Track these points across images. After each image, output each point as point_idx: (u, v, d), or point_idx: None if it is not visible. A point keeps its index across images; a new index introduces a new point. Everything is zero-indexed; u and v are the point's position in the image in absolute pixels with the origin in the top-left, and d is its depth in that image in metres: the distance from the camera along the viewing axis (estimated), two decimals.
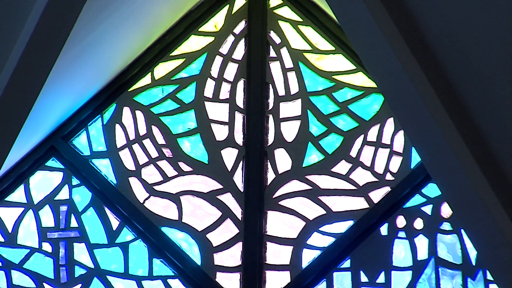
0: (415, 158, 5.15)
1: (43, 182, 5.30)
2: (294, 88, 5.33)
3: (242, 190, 5.24)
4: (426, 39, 3.84)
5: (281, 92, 5.33)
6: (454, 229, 5.10)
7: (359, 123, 5.25)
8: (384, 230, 5.13)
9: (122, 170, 5.29)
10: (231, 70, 5.37)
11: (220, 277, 5.18)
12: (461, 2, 3.77)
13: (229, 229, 5.23)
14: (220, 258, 5.20)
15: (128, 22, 4.93)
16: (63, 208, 5.27)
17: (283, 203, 5.22)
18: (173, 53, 5.40)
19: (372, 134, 5.24)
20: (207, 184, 5.27)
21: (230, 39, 5.39)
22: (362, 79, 5.31)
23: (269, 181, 5.24)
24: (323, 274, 5.13)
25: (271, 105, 5.32)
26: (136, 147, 5.32)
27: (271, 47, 5.37)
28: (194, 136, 5.32)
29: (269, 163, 5.26)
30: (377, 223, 5.13)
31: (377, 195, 5.17)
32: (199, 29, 5.41)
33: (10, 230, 5.25)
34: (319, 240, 5.17)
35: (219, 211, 5.24)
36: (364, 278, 5.11)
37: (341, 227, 5.16)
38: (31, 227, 5.27)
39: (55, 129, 5.29)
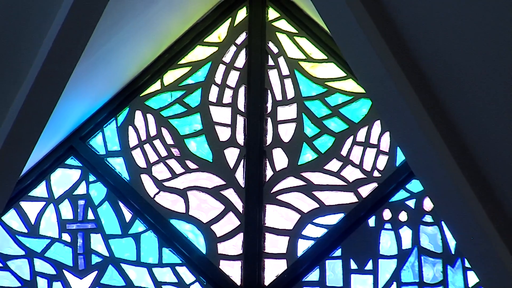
0: (400, 157, 5.15)
1: (63, 178, 5.30)
2: (290, 94, 5.33)
3: (243, 186, 5.24)
4: (409, 48, 3.84)
5: (279, 97, 5.33)
6: (435, 221, 5.09)
7: (349, 125, 5.25)
8: (371, 222, 5.13)
9: (135, 168, 5.29)
10: (233, 77, 5.37)
11: (223, 265, 5.17)
12: (444, 13, 3.77)
13: (231, 221, 5.22)
14: (223, 248, 5.20)
15: (139, 33, 4.93)
16: (81, 202, 5.26)
17: (280, 197, 5.22)
18: (181, 62, 5.40)
19: (361, 135, 5.23)
20: (212, 180, 5.26)
21: (232, 49, 5.39)
22: (352, 85, 5.30)
23: (267, 178, 5.24)
24: (317, 262, 5.12)
25: (269, 109, 5.32)
26: (147, 147, 5.31)
27: (269, 56, 5.37)
28: (200, 137, 5.32)
29: (267, 162, 5.26)
30: (366, 216, 5.13)
31: (365, 190, 5.16)
32: (204, 40, 5.41)
33: (33, 222, 5.24)
34: (313, 231, 5.16)
35: (222, 205, 5.24)
36: (353, 266, 5.10)
37: (333, 219, 5.16)
38: (52, 219, 5.26)
39: (73, 130, 5.28)
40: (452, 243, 5.05)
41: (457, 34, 3.75)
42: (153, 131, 5.33)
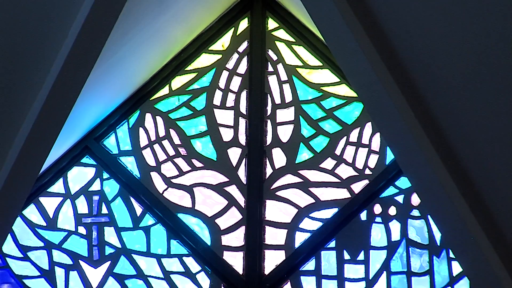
0: (390, 156, 5.15)
1: (79, 176, 5.29)
2: (288, 97, 5.34)
3: (245, 182, 5.24)
4: (398, 56, 3.85)
5: (278, 100, 5.34)
6: (422, 215, 5.08)
7: (343, 126, 5.26)
8: (363, 216, 5.12)
9: (145, 166, 5.29)
10: (236, 82, 5.38)
11: (227, 255, 5.17)
12: (432, 22, 3.78)
13: (234, 215, 5.22)
14: (226, 240, 5.19)
15: (149, 42, 4.94)
16: (95, 198, 5.26)
17: (279, 193, 5.22)
18: (187, 68, 5.40)
19: (353, 136, 5.24)
20: (216, 177, 5.27)
21: (235, 56, 5.40)
22: (345, 90, 5.31)
23: (267, 175, 5.24)
24: (313, 253, 5.11)
25: (269, 112, 5.32)
26: (156, 146, 5.32)
27: (269, 63, 5.37)
28: (205, 138, 5.31)
29: (267, 160, 5.27)
30: (358, 210, 5.12)
31: (357, 187, 5.16)
32: (209, 48, 5.41)
33: (51, 216, 5.24)
34: (309, 224, 5.16)
35: (225, 200, 5.24)
36: (347, 256, 5.10)
37: (328, 213, 5.16)
38: (68, 213, 5.25)
39: (88, 131, 5.27)
40: (437, 235, 5.05)
41: (446, 43, 3.75)
42: (161, 132, 5.33)
